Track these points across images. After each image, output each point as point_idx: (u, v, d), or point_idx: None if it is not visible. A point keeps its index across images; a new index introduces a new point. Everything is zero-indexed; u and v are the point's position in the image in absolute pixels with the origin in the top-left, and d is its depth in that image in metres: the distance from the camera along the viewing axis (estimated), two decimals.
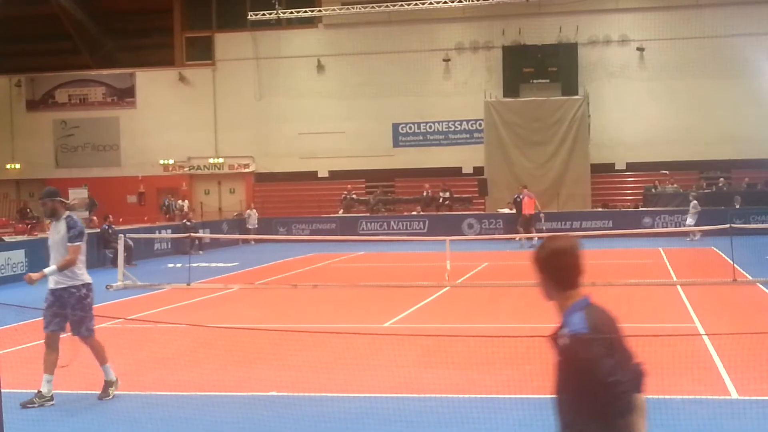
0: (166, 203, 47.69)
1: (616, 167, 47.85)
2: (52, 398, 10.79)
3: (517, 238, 36.16)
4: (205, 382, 11.54)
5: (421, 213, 44.96)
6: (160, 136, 51.35)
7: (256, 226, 44.26)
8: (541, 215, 39.01)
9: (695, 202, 39.49)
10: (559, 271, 4.36)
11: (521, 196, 37.57)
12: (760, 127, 45.21)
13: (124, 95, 53.06)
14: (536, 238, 34.49)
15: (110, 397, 11.01)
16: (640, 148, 46.66)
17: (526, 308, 18.32)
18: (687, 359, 11.73)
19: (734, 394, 10.40)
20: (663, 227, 40.40)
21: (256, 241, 41.81)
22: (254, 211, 45.34)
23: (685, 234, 38.13)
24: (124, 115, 52.91)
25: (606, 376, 4.03)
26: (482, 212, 44.87)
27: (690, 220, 38.87)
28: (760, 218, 39.43)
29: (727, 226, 25.15)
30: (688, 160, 46.14)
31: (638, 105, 47.10)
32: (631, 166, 47.75)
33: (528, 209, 37.16)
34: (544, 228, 37.56)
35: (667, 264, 27.38)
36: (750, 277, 22.29)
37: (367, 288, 22.88)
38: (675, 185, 44.89)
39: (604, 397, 4.05)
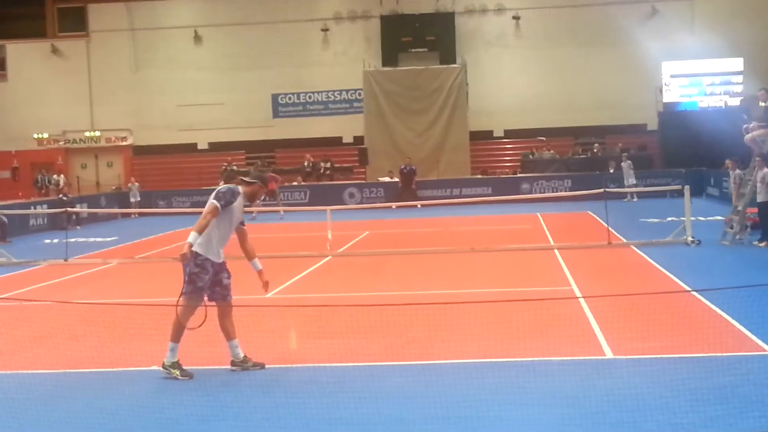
0: (40, 178, 46.64)
1: (495, 134, 48.54)
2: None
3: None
4: (83, 359, 11.35)
5: (303, 183, 44.87)
6: (33, 109, 50.07)
7: (139, 199, 43.65)
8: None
9: (629, 161, 40.26)
10: None
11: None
12: (633, 94, 46.25)
13: None
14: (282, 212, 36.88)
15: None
16: (517, 115, 47.39)
17: (408, 276, 18.52)
18: (564, 322, 12.02)
19: (609, 354, 10.67)
20: (541, 192, 41.10)
21: (139, 214, 41.41)
22: (136, 184, 44.53)
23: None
24: None
25: None
26: (363, 181, 45.05)
27: (631, 180, 39.51)
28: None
29: (602, 190, 25.69)
30: (564, 126, 47.08)
31: (515, 73, 47.81)
32: (509, 133, 48.47)
33: None
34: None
35: (545, 229, 27.88)
36: (624, 240, 22.91)
37: None
38: (551, 151, 45.72)
39: None
